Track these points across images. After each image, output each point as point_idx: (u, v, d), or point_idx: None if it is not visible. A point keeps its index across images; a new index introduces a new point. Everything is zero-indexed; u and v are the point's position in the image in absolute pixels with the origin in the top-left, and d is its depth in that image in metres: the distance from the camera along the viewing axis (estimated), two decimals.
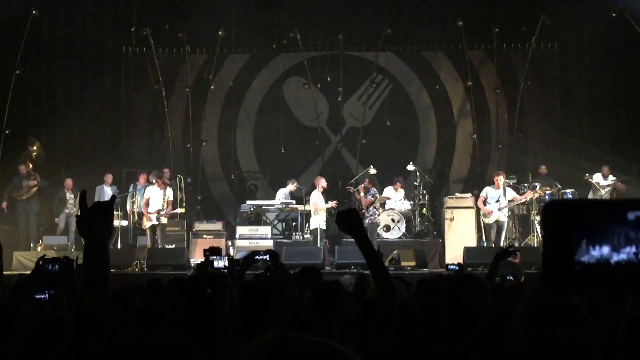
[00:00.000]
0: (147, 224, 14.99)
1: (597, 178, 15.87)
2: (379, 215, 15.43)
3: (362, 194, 15.25)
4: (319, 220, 15.44)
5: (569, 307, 2.28)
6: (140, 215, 15.61)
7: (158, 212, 14.88)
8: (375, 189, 15.54)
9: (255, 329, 3.55)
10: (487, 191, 15.05)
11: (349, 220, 3.25)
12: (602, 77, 17.79)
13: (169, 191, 15.19)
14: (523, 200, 15.33)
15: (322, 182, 15.78)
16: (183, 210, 16.03)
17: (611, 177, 15.87)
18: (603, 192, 15.54)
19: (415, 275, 10.04)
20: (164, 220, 15.04)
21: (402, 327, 3.37)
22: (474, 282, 3.55)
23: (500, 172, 15.36)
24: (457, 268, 7.17)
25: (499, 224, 14.90)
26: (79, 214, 2.38)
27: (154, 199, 14.97)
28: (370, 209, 15.13)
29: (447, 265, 7.74)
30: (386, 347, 2.18)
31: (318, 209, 15.44)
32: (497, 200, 14.86)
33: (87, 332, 2.18)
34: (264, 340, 1.30)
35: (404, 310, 3.62)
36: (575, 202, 1.41)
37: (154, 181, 15.16)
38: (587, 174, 15.86)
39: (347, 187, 16.35)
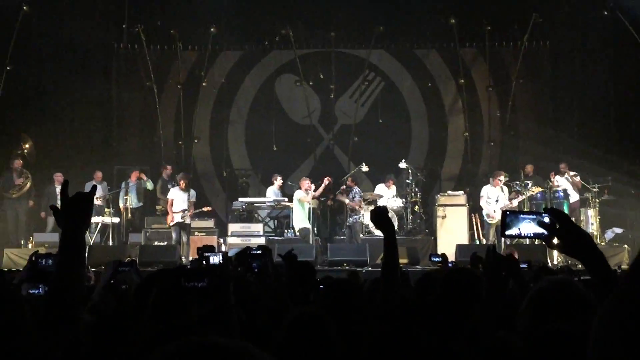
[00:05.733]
0: (170, 222, 15.09)
1: (558, 181, 15.70)
2: (363, 214, 15.35)
3: (346, 201, 15.23)
4: (302, 219, 15.34)
5: (575, 298, 2.26)
6: (132, 211, 15.69)
7: (183, 211, 15.05)
8: (357, 187, 15.50)
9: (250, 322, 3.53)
10: (487, 191, 15.02)
11: (380, 218, 3.66)
12: (593, 75, 17.82)
13: (192, 192, 15.51)
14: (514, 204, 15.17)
15: (306, 184, 15.55)
16: (210, 208, 16.09)
17: (568, 175, 15.72)
18: (560, 189, 15.31)
19: (408, 273, 10.01)
20: (188, 220, 15.22)
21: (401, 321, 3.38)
22: (468, 275, 3.58)
23: (501, 172, 15.31)
24: (440, 259, 7.07)
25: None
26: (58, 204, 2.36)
27: (177, 200, 15.19)
28: (356, 209, 15.15)
29: (430, 255, 7.49)
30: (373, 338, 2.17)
31: (304, 200, 15.27)
32: (497, 200, 14.85)
33: (59, 319, 2.15)
34: (166, 349, 1.13)
35: (405, 306, 3.66)
36: None
37: (180, 182, 15.36)
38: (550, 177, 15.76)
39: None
